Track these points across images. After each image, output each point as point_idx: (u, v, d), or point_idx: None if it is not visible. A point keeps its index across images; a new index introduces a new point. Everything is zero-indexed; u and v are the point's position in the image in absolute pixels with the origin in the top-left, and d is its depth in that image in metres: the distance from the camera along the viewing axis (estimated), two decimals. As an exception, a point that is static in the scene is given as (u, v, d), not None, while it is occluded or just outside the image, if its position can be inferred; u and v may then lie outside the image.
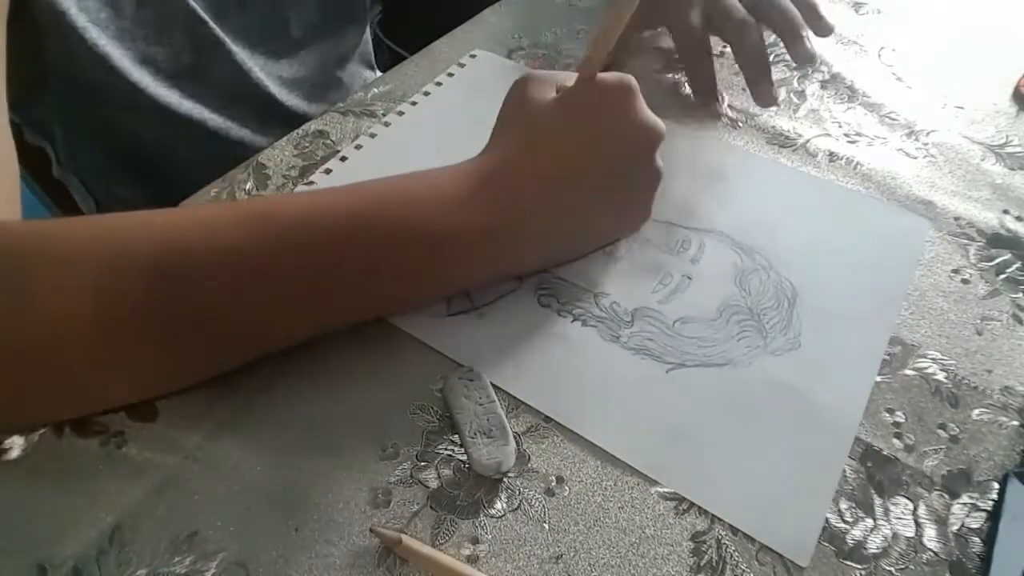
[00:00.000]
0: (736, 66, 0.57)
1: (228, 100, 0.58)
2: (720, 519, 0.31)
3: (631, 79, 0.37)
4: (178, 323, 0.31)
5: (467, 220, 0.34)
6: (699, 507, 0.32)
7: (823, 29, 0.52)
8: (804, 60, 0.51)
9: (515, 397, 0.35)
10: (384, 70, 0.55)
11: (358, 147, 0.48)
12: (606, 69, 0.37)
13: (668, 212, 0.45)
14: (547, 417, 0.35)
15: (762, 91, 0.51)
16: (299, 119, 0.62)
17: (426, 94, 0.53)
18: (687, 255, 0.42)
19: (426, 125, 0.50)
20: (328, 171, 0.46)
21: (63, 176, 0.63)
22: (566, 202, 0.37)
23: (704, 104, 0.53)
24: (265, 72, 0.59)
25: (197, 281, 0.31)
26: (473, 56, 0.56)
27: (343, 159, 0.47)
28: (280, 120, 0.60)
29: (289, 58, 0.61)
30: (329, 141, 0.49)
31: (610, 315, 0.39)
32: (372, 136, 0.49)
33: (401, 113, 0.51)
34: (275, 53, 0.60)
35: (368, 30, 0.70)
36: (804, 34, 0.51)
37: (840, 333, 0.39)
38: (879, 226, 0.46)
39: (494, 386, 0.35)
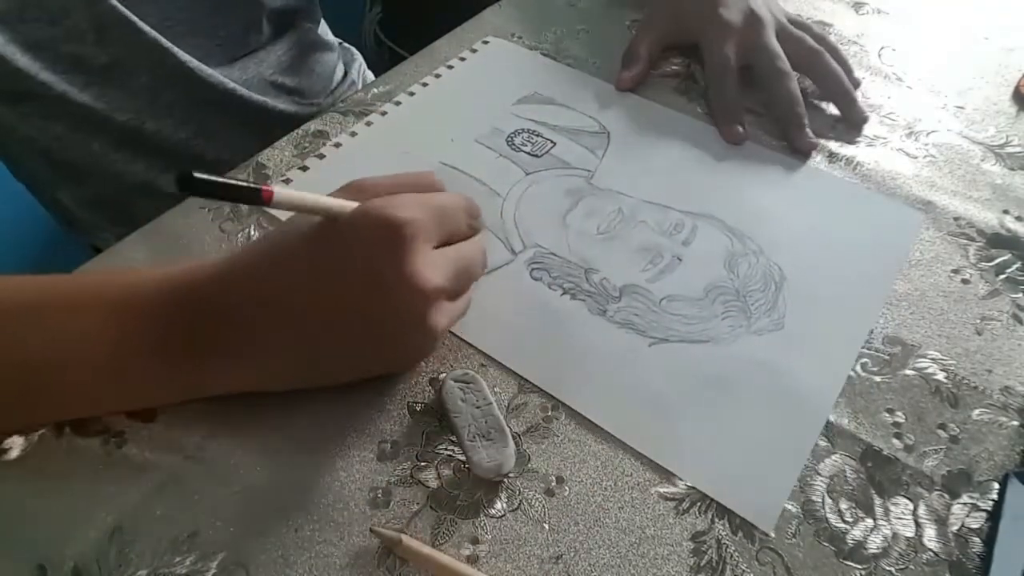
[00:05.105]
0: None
1: (154, 93, 0.53)
2: (715, 514, 0.32)
3: (405, 226, 0.30)
4: None
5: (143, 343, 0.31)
6: (699, 507, 0.32)
7: (856, 117, 0.52)
8: (859, 123, 0.52)
9: (522, 379, 0.35)
10: (384, 70, 0.55)
11: (337, 145, 0.48)
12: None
13: (663, 195, 0.46)
14: (547, 417, 0.35)
15: (800, 139, 0.50)
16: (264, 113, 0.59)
17: (424, 85, 0.53)
18: (679, 237, 0.43)
19: (418, 118, 0.51)
20: (304, 168, 0.46)
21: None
22: (289, 336, 0.32)
23: (724, 126, 0.51)
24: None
25: None
26: (486, 42, 0.58)
27: (320, 156, 0.47)
28: (237, 114, 0.57)
29: (228, 66, 0.57)
30: (329, 141, 0.49)
31: (599, 290, 0.40)
32: (352, 136, 0.49)
33: (385, 113, 0.51)
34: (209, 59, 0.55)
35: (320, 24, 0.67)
36: (854, 96, 0.52)
37: (824, 318, 0.40)
38: (872, 217, 0.46)
39: (483, 352, 0.35)
